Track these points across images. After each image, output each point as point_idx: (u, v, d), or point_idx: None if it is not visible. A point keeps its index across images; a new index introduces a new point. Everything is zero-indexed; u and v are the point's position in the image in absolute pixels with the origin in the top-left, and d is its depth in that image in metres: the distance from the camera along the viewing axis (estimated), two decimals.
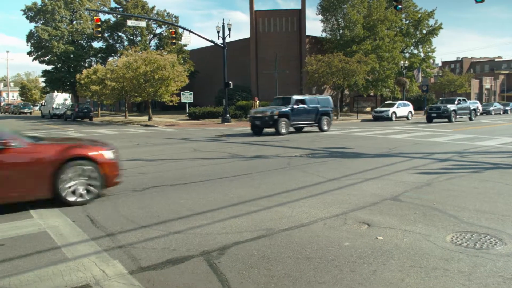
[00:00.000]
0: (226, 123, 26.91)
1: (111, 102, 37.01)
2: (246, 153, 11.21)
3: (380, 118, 29.94)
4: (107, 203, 5.71)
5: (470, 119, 27.11)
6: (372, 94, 42.32)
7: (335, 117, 32.15)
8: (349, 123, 27.70)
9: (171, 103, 29.80)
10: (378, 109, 31.83)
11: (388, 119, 29.66)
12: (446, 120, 25.57)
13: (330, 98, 20.47)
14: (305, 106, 18.46)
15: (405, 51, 44.07)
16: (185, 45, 45.16)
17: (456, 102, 26.41)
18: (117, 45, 50.28)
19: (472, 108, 27.30)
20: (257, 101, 30.08)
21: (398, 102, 31.83)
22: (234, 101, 34.95)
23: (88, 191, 5.72)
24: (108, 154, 5.99)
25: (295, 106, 18.11)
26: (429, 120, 25.96)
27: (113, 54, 49.85)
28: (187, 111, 33.38)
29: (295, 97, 18.74)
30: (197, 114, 31.44)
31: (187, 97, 34.08)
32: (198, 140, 15.53)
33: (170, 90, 28.75)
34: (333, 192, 6.19)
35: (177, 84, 29.07)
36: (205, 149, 12.15)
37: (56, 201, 5.50)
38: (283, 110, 17.70)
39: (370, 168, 8.27)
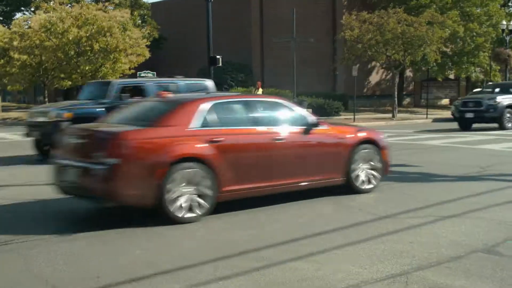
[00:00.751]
0: None
1: (19, 88, 37.07)
2: None
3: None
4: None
5: None
6: (452, 77, 42.31)
7: (391, 114, 32.09)
8: (413, 125, 27.69)
9: None
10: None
11: None
12: (497, 125, 23.13)
13: (209, 82, 16.35)
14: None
15: (509, 4, 44.13)
16: None
17: None
18: None
19: None
20: (260, 89, 30.02)
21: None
22: (226, 87, 35.08)
23: (369, 179, 8.52)
24: (386, 139, 8.72)
25: (119, 102, 14.05)
26: (463, 125, 24.00)
27: (23, 9, 50.14)
28: None
29: (118, 82, 15.91)
30: None
31: None
32: None
33: (120, 69, 28.81)
34: (387, 237, 6.20)
35: (131, 60, 29.13)
36: None
37: (347, 188, 8.06)
38: (87, 109, 14.42)
39: (448, 198, 8.28)
